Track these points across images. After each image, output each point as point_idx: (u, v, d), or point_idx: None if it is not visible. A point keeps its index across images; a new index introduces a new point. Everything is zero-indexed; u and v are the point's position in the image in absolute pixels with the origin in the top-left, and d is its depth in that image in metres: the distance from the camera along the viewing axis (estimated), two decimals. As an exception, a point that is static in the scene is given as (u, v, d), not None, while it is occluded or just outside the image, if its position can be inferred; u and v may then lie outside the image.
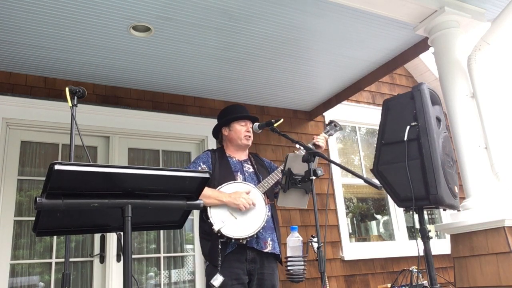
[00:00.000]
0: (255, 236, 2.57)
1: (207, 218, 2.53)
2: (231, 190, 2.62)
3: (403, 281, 3.91)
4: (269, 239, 2.65)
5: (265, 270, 2.61)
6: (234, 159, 2.84)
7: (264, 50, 3.60)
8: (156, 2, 2.89)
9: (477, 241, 2.61)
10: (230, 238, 2.50)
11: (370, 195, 5.34)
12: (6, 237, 3.33)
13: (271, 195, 2.80)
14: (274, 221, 2.75)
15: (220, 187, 2.62)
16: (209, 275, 2.56)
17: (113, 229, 1.61)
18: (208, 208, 2.54)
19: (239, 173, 2.77)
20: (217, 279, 2.42)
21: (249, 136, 2.87)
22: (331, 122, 2.92)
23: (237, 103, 4.43)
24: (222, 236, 2.49)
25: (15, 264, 3.35)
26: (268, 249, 2.63)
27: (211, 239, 2.56)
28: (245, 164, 2.85)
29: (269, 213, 2.69)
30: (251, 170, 2.84)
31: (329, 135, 2.90)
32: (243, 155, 2.90)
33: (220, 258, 2.46)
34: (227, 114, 2.92)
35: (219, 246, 2.49)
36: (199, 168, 2.72)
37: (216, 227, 2.48)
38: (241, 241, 2.53)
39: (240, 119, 2.88)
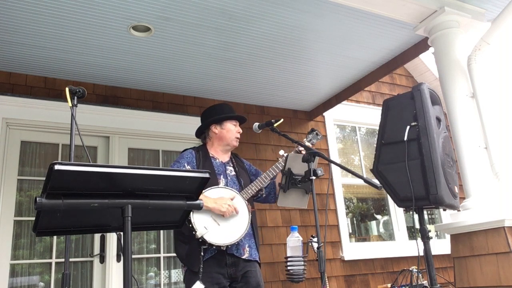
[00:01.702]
0: (236, 243, 2.54)
1: (189, 223, 2.44)
2: (215, 195, 2.56)
3: (403, 281, 3.91)
4: (247, 245, 2.63)
5: (249, 268, 2.59)
6: (217, 160, 2.78)
7: (264, 50, 3.60)
8: (156, 2, 2.89)
9: (477, 241, 2.61)
10: (212, 245, 2.46)
11: (370, 195, 5.33)
12: (6, 237, 3.33)
13: (251, 201, 2.76)
14: (253, 227, 2.71)
15: (204, 191, 2.53)
16: (188, 281, 2.50)
17: (113, 229, 1.61)
18: (191, 213, 2.46)
19: (222, 176, 2.71)
20: (198, 287, 2.37)
21: (239, 138, 2.85)
22: (313, 130, 2.90)
23: (238, 104, 4.46)
24: (204, 242, 2.44)
25: (15, 264, 3.34)
26: (246, 255, 2.60)
27: (190, 243, 2.50)
28: (228, 167, 2.80)
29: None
30: (233, 173, 2.78)
31: (312, 144, 2.88)
32: (226, 156, 2.85)
33: (201, 266, 2.42)
34: (217, 112, 2.85)
35: (201, 253, 2.44)
36: (183, 168, 2.64)
37: (199, 234, 2.43)
38: (222, 247, 2.49)
39: (234, 118, 2.85)
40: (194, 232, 2.43)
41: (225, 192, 2.61)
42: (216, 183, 2.63)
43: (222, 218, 2.53)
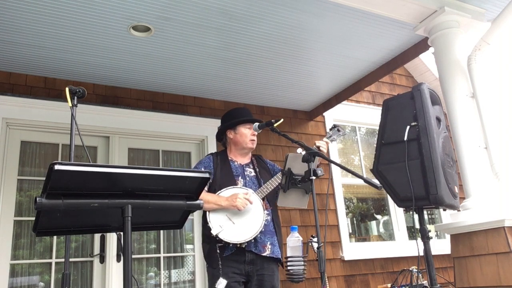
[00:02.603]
0: (253, 240, 2.59)
1: (206, 222, 2.58)
2: (230, 194, 2.64)
3: (403, 281, 3.91)
4: (269, 243, 2.67)
5: (265, 271, 2.63)
6: (236, 163, 2.85)
7: (264, 50, 3.60)
8: (156, 2, 2.89)
9: (477, 241, 2.61)
10: (228, 243, 2.54)
11: (370, 195, 5.33)
12: (6, 237, 3.33)
13: (272, 200, 2.80)
14: (275, 225, 2.75)
15: (219, 192, 2.65)
16: (210, 277, 2.62)
17: (113, 229, 1.61)
18: (207, 213, 2.59)
19: (240, 177, 2.78)
20: (221, 283, 2.46)
21: (254, 140, 2.88)
22: (334, 126, 2.89)
23: (238, 104, 4.46)
24: (220, 240, 2.53)
25: (15, 264, 3.34)
26: (267, 253, 2.64)
27: (210, 242, 2.61)
28: (247, 168, 2.86)
29: (269, 218, 2.71)
30: (253, 174, 2.85)
31: (332, 140, 2.87)
32: (245, 159, 2.91)
33: (220, 262, 2.52)
34: (233, 117, 2.92)
35: (218, 251, 2.54)
36: None
37: (214, 232, 2.53)
38: (239, 245, 2.56)
39: (246, 122, 2.88)
40: (210, 231, 2.53)
41: (239, 191, 2.67)
42: (234, 184, 2.72)
43: (237, 217, 2.60)
